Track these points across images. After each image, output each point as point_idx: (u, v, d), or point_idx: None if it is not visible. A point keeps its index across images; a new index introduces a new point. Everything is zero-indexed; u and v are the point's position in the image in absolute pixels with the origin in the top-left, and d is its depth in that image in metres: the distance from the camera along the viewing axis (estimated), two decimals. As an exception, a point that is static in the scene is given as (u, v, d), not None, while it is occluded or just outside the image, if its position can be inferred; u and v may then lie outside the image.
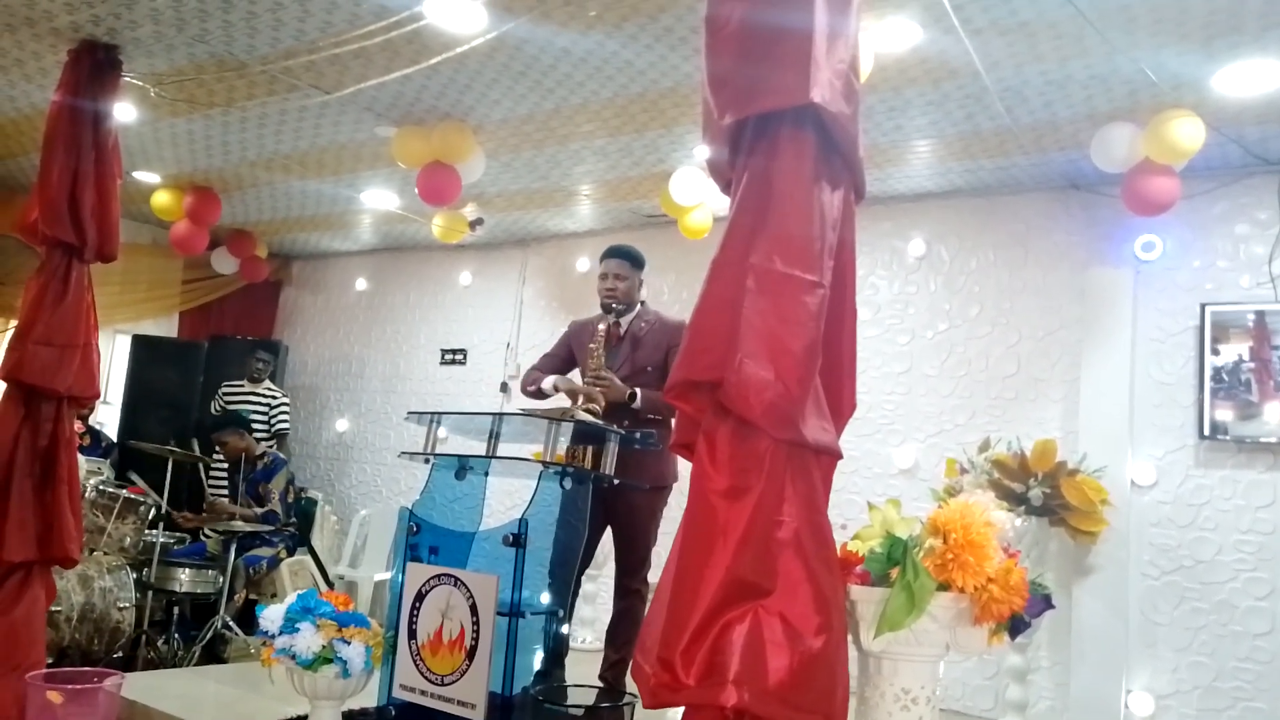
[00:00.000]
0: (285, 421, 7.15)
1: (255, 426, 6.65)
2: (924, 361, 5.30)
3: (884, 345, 5.44)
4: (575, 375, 3.98)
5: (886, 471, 5.25)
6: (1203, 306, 4.51)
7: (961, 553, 2.09)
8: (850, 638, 2.21)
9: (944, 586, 2.13)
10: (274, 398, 7.15)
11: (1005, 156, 4.71)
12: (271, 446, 6.85)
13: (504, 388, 7.01)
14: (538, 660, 3.15)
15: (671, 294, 5.99)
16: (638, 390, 3.71)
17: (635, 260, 4.06)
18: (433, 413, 3.53)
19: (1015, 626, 2.23)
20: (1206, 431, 4.42)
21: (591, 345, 3.83)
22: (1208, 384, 4.43)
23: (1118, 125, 4.10)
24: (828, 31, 2.15)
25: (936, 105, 4.22)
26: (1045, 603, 2.36)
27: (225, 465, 6.56)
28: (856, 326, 2.37)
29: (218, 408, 7.10)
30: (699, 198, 5.00)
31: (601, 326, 3.90)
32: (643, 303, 4.09)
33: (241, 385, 7.16)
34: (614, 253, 4.03)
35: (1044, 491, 4.25)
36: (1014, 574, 2.14)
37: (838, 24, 2.18)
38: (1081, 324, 4.79)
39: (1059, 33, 3.50)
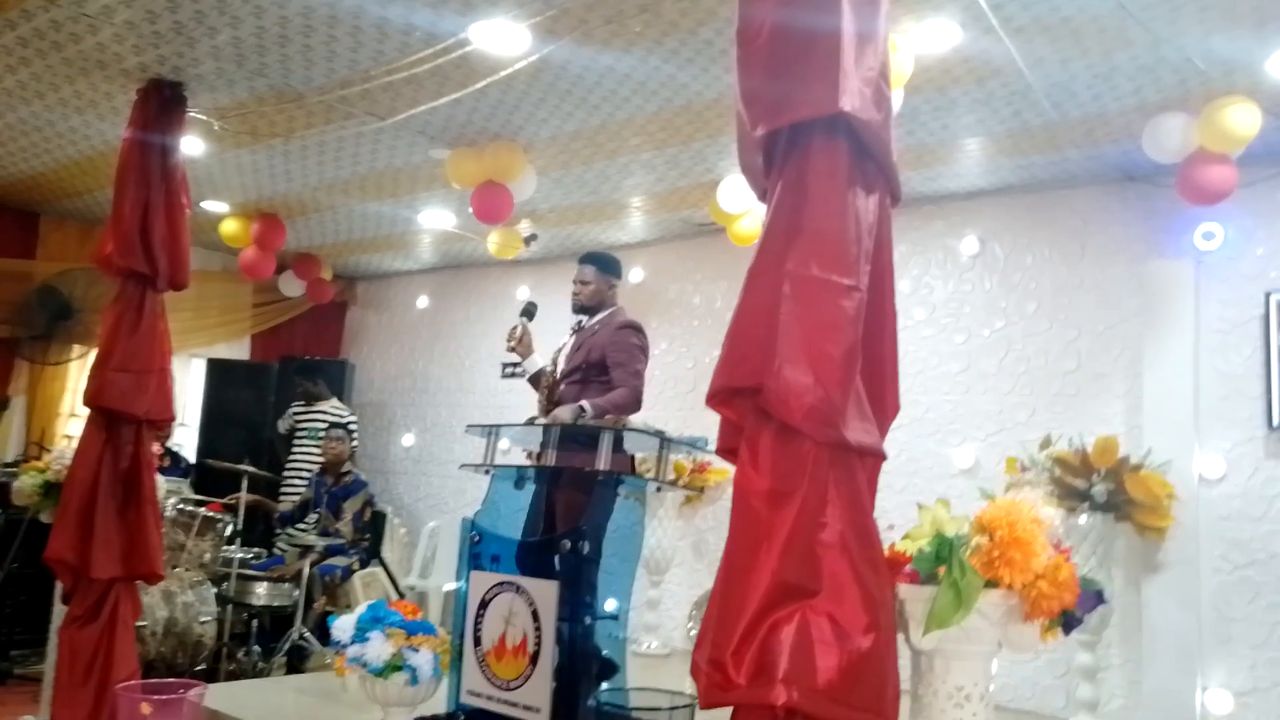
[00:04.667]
0: (353, 440, 7.36)
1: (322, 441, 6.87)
2: (982, 360, 5.25)
3: (940, 344, 5.40)
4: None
5: (947, 472, 5.21)
6: (1267, 295, 4.40)
7: (1008, 550, 2.10)
8: (901, 636, 2.23)
9: (992, 584, 2.14)
10: (341, 414, 7.36)
11: (1056, 151, 4.66)
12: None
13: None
14: (600, 665, 3.21)
15: (724, 301, 6.03)
16: (584, 404, 3.97)
17: (603, 266, 4.41)
18: (491, 425, 3.63)
19: (1068, 622, 2.22)
20: (1276, 422, 4.31)
21: (561, 345, 4.27)
22: (1275, 373, 4.32)
23: (1169, 115, 4.04)
24: (856, 40, 2.19)
25: (982, 103, 4.20)
26: (1097, 598, 2.35)
27: (300, 480, 6.79)
28: (897, 328, 2.40)
29: (286, 426, 7.34)
30: (747, 205, 5.05)
31: (571, 326, 4.38)
32: (619, 309, 4.42)
33: (309, 406, 7.39)
34: (584, 258, 4.45)
35: (1107, 488, 4.19)
36: (1063, 570, 2.14)
37: (866, 32, 2.22)
38: (1142, 317, 4.71)
39: (1102, 26, 3.47)
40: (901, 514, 2.39)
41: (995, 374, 5.20)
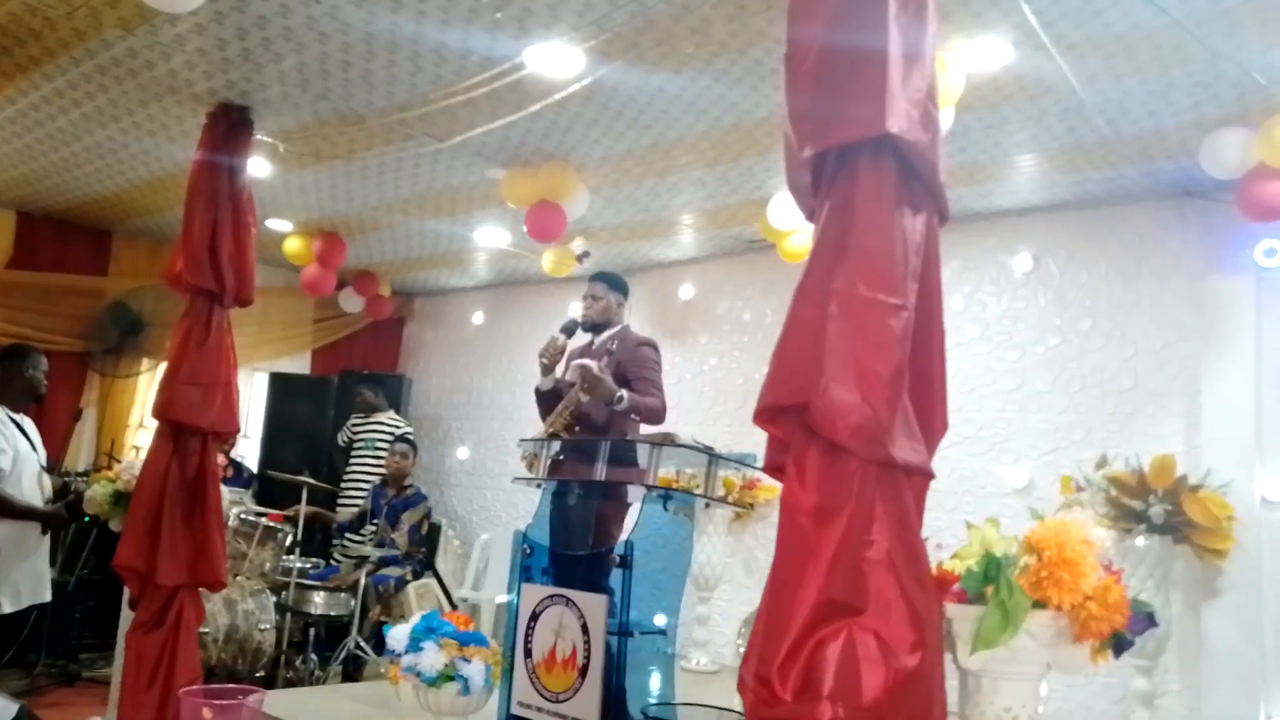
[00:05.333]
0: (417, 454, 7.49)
1: (380, 453, 7.00)
2: (1035, 378, 5.20)
3: (993, 362, 5.36)
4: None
5: (1000, 491, 5.16)
6: (1332, 312, 4.31)
7: (1056, 570, 2.09)
8: (949, 656, 2.23)
9: (1041, 605, 2.13)
10: (398, 426, 7.50)
11: (1111, 167, 4.61)
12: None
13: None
14: (649, 679, 3.24)
15: (774, 317, 6.03)
16: (624, 393, 4.07)
17: (614, 285, 4.53)
18: (542, 439, 3.69)
19: (1119, 645, 2.21)
20: (1343, 443, 4.21)
21: (578, 359, 4.31)
22: (1341, 393, 4.22)
23: (1228, 130, 3.98)
24: (903, 61, 2.21)
25: (1035, 120, 4.18)
26: (1149, 620, 2.32)
27: (358, 491, 6.94)
28: (946, 346, 2.41)
29: (344, 439, 7.51)
30: (796, 222, 5.07)
31: (584, 341, 4.48)
32: (626, 326, 4.53)
33: (367, 418, 7.54)
34: (594, 276, 4.57)
35: (1165, 509, 4.11)
36: (1113, 591, 2.12)
37: (913, 53, 2.24)
38: (1201, 335, 4.63)
39: (1157, 42, 3.45)
40: (953, 534, 2.39)
41: (1049, 392, 5.14)
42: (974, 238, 5.47)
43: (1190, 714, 4.43)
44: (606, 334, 4.42)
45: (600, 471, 3.51)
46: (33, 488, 4.31)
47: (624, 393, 4.06)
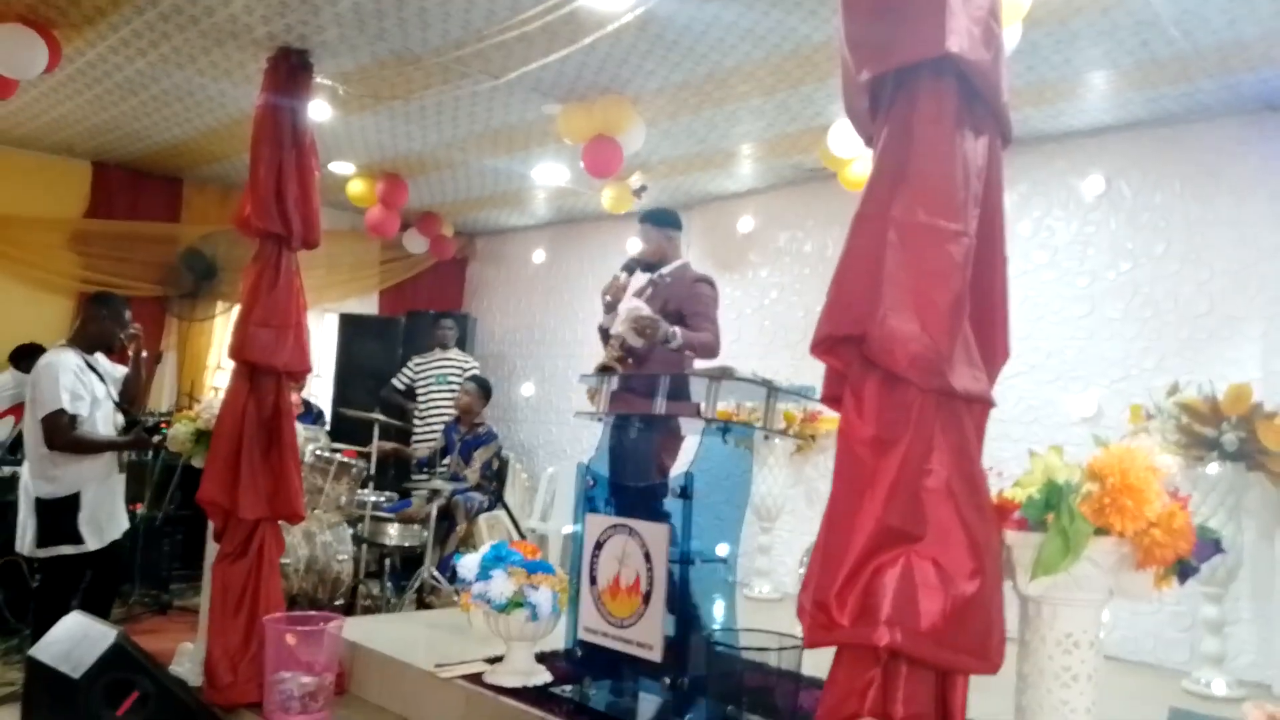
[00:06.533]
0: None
1: (453, 388, 7.12)
2: (1106, 304, 5.07)
3: (1063, 289, 5.23)
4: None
5: (1067, 420, 5.07)
6: None
7: (1119, 497, 2.07)
8: (1009, 584, 2.23)
9: (1103, 531, 2.12)
10: (466, 362, 7.63)
11: (1189, 82, 4.41)
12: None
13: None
14: (712, 605, 3.31)
15: (835, 248, 5.91)
16: (677, 330, 4.07)
17: (659, 222, 4.46)
18: (602, 374, 3.74)
19: (1184, 571, 2.18)
20: None
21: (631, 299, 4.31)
22: None
23: (1315, 39, 3.78)
24: (964, -21, 2.15)
25: (1107, 34, 4.01)
26: (1215, 547, 2.28)
27: (431, 428, 7.09)
28: (1009, 273, 2.37)
29: (404, 382, 7.61)
30: (857, 149, 4.97)
31: (641, 279, 4.45)
32: (685, 263, 4.48)
33: (433, 354, 7.66)
34: (642, 218, 4.52)
35: (1239, 436, 4.02)
36: (1178, 518, 2.09)
37: (975, -30, 2.17)
38: (1282, 256, 4.46)
39: (1238, -54, 3.28)
40: (1020, 464, 2.36)
41: (1120, 319, 5.01)
42: (1043, 160, 5.31)
43: (1261, 643, 4.37)
44: (665, 270, 4.41)
45: (660, 405, 3.55)
46: (108, 428, 4.50)
47: (676, 330, 4.06)
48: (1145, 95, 4.64)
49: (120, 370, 4.71)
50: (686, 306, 4.24)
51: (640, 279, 4.46)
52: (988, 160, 2.25)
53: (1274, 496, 4.24)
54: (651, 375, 3.83)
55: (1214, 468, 4.10)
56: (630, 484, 3.49)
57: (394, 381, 7.67)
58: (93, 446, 4.36)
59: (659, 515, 3.25)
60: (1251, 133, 4.65)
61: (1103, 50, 4.18)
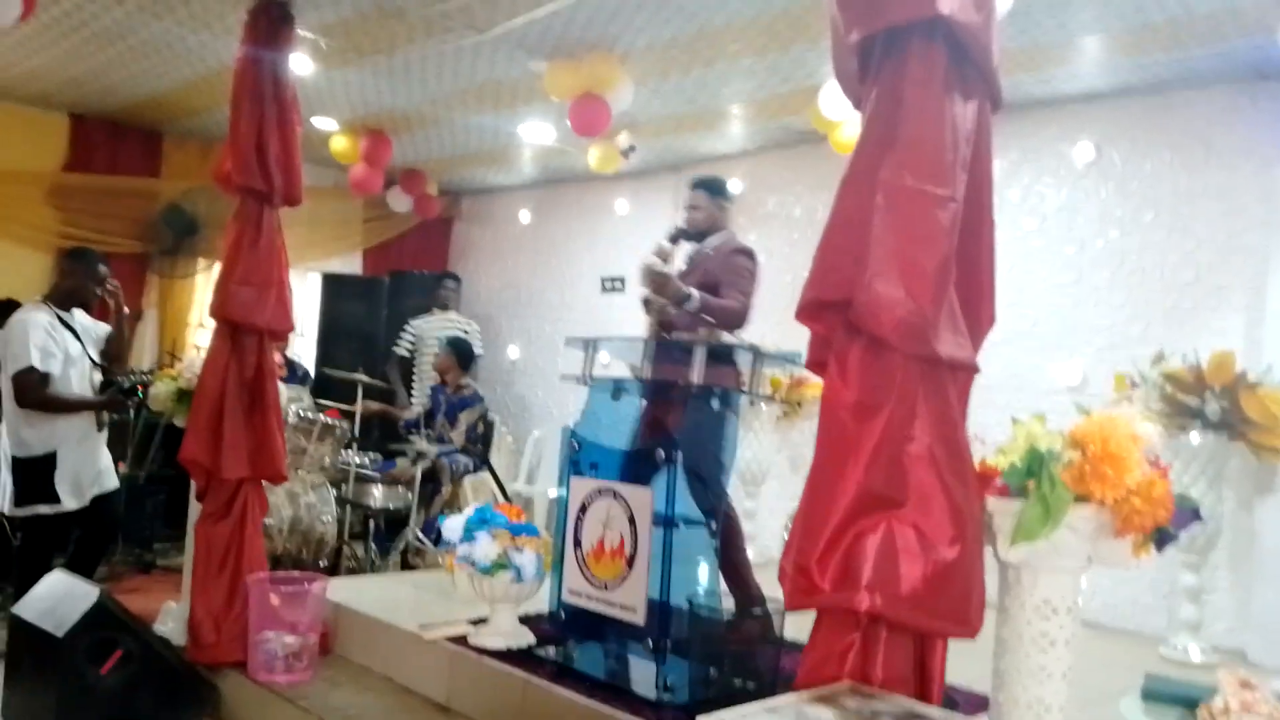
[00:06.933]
0: (478, 346, 7.56)
1: None
2: (1093, 272, 5.07)
3: (1050, 256, 5.23)
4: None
5: (1052, 388, 5.08)
6: None
7: (1100, 465, 2.07)
8: (989, 549, 2.24)
9: (1083, 499, 2.12)
10: (466, 323, 7.57)
11: (1181, 48, 4.37)
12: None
13: (662, 312, 7.16)
14: (696, 569, 3.32)
15: (825, 213, 5.90)
16: (693, 292, 3.89)
17: (713, 189, 4.27)
18: (589, 339, 3.71)
19: (1162, 539, 2.19)
20: None
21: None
22: None
23: (1311, 6, 3.75)
24: (957, -61, 2.11)
25: (1101, -2, 3.97)
26: (1193, 515, 2.29)
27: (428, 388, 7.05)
28: (996, 239, 2.36)
29: (408, 347, 7.45)
30: (849, 112, 4.91)
31: (685, 249, 4.26)
32: (730, 233, 4.29)
33: (431, 315, 7.58)
34: (694, 184, 4.32)
35: (1221, 406, 4.04)
36: (1157, 486, 2.10)
37: (968, -70, 2.13)
38: (1269, 226, 4.45)
39: (1236, -90, 3.23)
40: (1004, 430, 2.37)
41: (1107, 287, 5.01)
42: (1033, 127, 5.28)
43: (1239, 610, 4.43)
44: (711, 241, 4.21)
45: (647, 371, 3.52)
46: (84, 387, 4.45)
47: (693, 292, 3.90)
48: (1137, 61, 4.60)
49: (103, 328, 4.65)
50: (722, 277, 4.07)
51: (685, 248, 4.27)
52: (977, 125, 2.23)
53: (1254, 466, 4.27)
54: (642, 340, 3.78)
55: (1196, 437, 4.12)
56: (621, 449, 3.46)
57: (398, 350, 7.50)
58: (63, 405, 4.31)
59: (644, 479, 3.23)
60: (1243, 101, 4.63)
61: (1095, 14, 4.13)
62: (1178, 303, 4.76)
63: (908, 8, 2.11)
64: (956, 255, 2.19)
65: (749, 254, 4.20)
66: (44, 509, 4.25)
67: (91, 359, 4.51)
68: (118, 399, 4.54)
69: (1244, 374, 4.07)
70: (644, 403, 3.64)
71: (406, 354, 7.48)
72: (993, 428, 2.25)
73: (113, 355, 4.63)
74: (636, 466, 3.33)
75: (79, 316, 4.53)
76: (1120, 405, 3.93)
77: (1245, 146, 4.61)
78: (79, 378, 4.42)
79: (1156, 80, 4.79)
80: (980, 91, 2.22)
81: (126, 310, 4.69)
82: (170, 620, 4.11)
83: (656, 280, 3.92)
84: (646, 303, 4.21)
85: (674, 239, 4.22)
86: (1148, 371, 4.29)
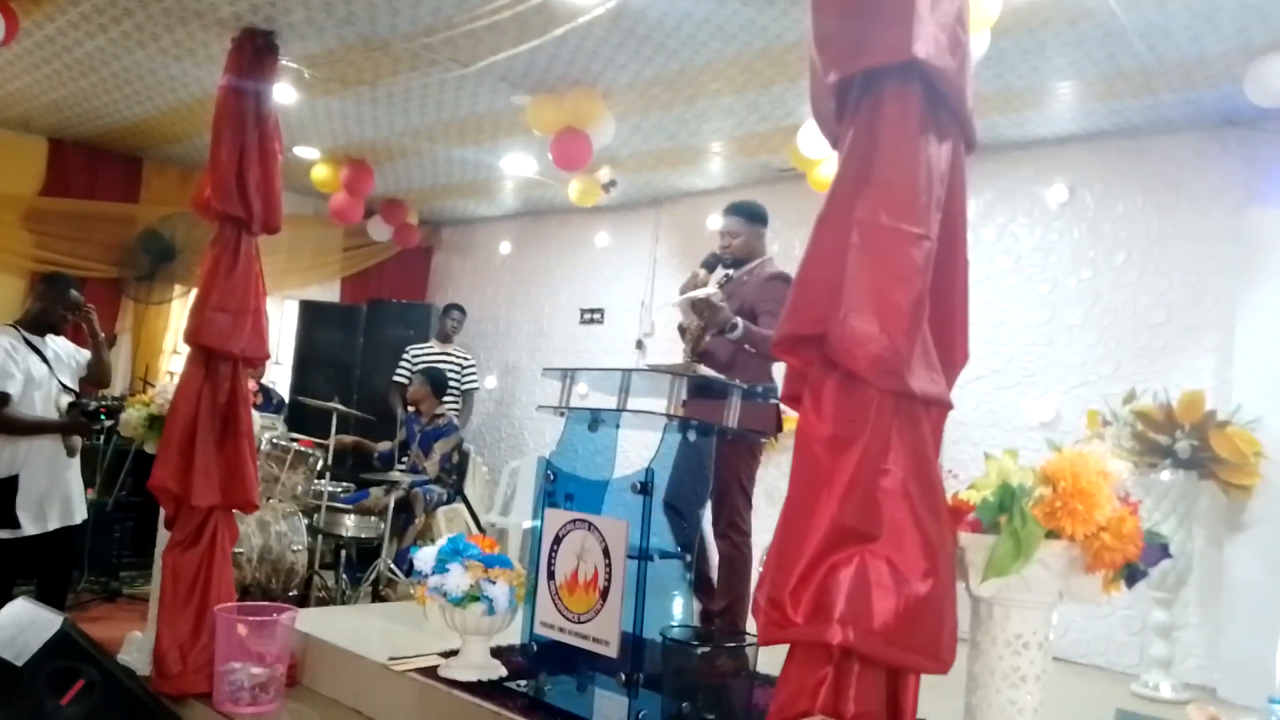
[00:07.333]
0: (474, 380, 7.50)
1: (449, 386, 6.95)
2: (1067, 311, 5.14)
3: (1024, 295, 5.30)
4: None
5: (1025, 425, 5.14)
6: (1376, 247, 4.20)
7: (1070, 501, 2.09)
8: (962, 585, 2.25)
9: (1054, 535, 2.14)
10: (465, 358, 7.50)
11: (1152, 95, 4.48)
12: (458, 404, 7.22)
13: (639, 345, 7.18)
14: (670, 602, 3.30)
15: (802, 248, 5.97)
16: (739, 320, 3.79)
17: (750, 216, 4.20)
18: (566, 369, 3.72)
19: (1132, 575, 2.21)
20: (1378, 380, 4.14)
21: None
22: (1379, 330, 4.14)
23: (1275, 56, 3.84)
24: (932, -16, 2.15)
25: (1074, 45, 4.06)
26: (1162, 551, 2.32)
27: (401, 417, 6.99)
28: (968, 277, 2.39)
29: (407, 374, 7.24)
30: (826, 150, 4.98)
31: (722, 277, 4.15)
32: (768, 259, 4.20)
33: (431, 346, 7.49)
34: (729, 210, 4.23)
35: (1191, 444, 4.09)
36: (1127, 523, 2.12)
37: (943, -25, 2.18)
38: (1238, 269, 4.54)
39: (1203, -38, 3.32)
40: (979, 466, 2.38)
41: (1080, 326, 5.08)
42: (1008, 168, 5.37)
43: (1208, 647, 4.45)
44: (746, 268, 4.13)
45: (623, 401, 3.53)
46: (48, 410, 4.40)
47: (739, 320, 3.79)
48: (1109, 107, 4.70)
49: (84, 354, 4.63)
50: (759, 305, 3.95)
51: (719, 275, 4.15)
52: (951, 165, 2.27)
53: (1223, 504, 4.32)
54: (620, 371, 3.75)
55: (1166, 474, 4.17)
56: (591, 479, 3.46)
57: (398, 379, 7.34)
58: (19, 427, 4.26)
59: (621, 510, 3.22)
60: (1212, 147, 4.73)
61: (1069, 60, 4.23)
62: (1149, 342, 4.83)
63: (884, 51, 2.14)
64: (931, 293, 2.21)
65: (787, 279, 3.93)
66: (3, 534, 4.18)
67: (62, 383, 4.47)
68: (80, 421, 4.47)
69: (1214, 413, 4.13)
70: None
71: (405, 381, 7.41)
72: (966, 463, 2.27)
73: (95, 379, 4.59)
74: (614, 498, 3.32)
75: (54, 341, 4.49)
76: (1092, 442, 3.96)
77: (1215, 191, 4.71)
78: (43, 401, 4.37)
79: (1129, 125, 4.89)
80: (955, 133, 2.26)
81: (102, 334, 4.67)
82: (135, 650, 4.04)
83: (704, 308, 3.78)
84: (682, 330, 4.13)
85: (710, 266, 4.10)
86: (1119, 409, 4.35)
